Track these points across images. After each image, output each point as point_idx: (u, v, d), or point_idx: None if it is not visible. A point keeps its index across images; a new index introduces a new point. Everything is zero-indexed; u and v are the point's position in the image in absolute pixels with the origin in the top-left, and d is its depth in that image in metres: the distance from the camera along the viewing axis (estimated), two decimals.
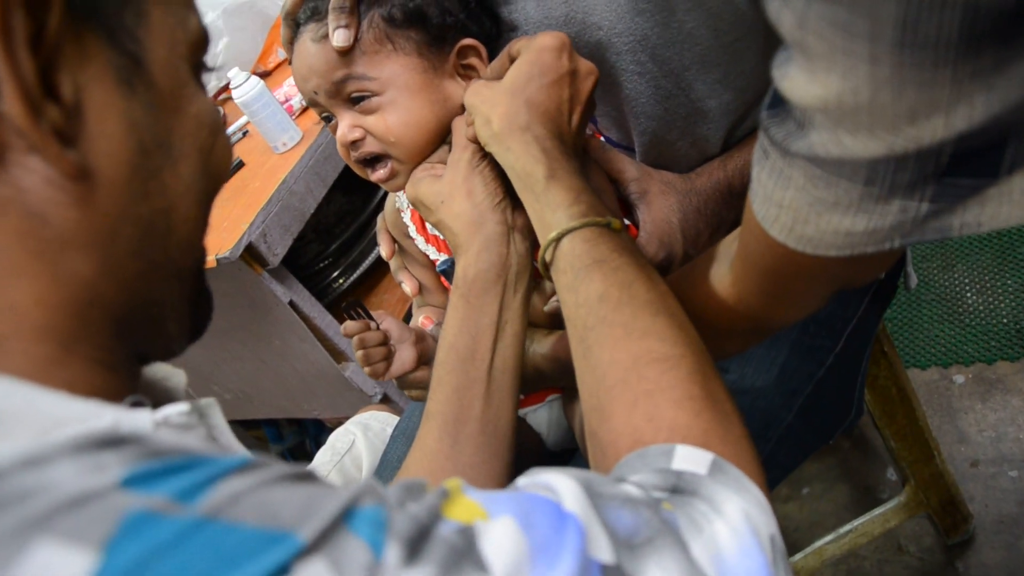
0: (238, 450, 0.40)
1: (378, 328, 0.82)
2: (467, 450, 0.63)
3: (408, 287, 0.90)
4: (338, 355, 1.47)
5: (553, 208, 0.61)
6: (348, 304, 0.84)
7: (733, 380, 0.82)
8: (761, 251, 0.50)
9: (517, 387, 0.67)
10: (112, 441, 0.31)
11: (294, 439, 2.08)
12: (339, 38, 0.72)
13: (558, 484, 0.38)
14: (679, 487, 0.41)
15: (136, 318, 0.40)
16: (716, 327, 0.60)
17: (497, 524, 0.33)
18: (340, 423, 1.29)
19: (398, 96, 0.74)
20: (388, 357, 0.82)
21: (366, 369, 0.82)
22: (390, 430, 1.18)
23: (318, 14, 0.74)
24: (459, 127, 0.73)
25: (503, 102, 0.65)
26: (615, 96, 0.78)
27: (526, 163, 0.63)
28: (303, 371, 1.52)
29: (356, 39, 0.72)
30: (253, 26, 1.82)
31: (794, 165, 0.42)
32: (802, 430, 0.85)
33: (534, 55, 0.67)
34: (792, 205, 0.43)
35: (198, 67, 0.44)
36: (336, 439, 1.18)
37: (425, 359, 0.84)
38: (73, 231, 0.36)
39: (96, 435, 0.31)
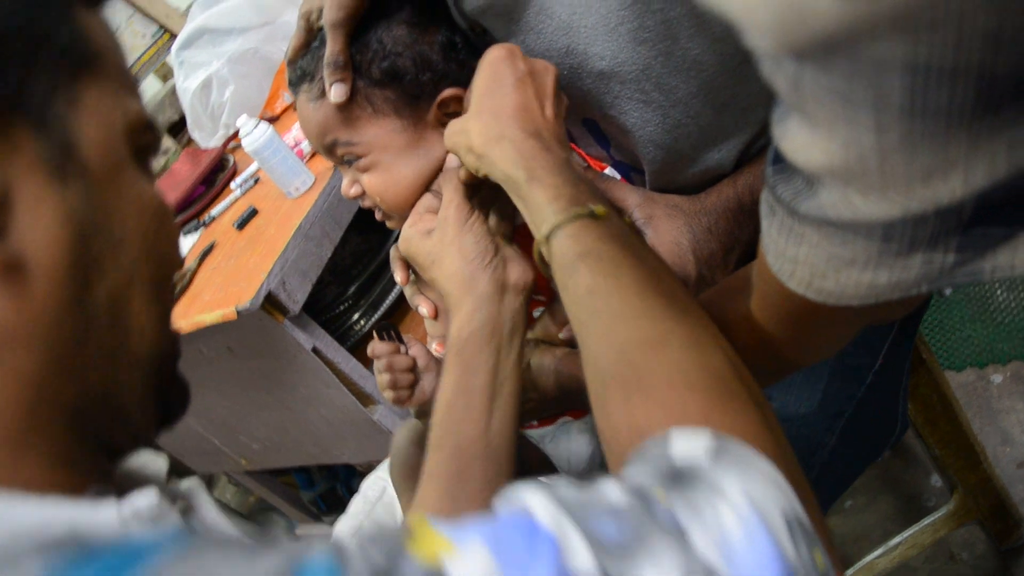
0: (223, 529, 0.40)
1: (407, 352, 0.81)
2: (468, 510, 0.61)
3: (425, 310, 0.89)
4: (365, 399, 1.45)
5: (538, 209, 0.59)
6: (381, 325, 0.84)
7: (776, 409, 0.79)
8: (781, 301, 0.48)
9: (515, 446, 0.66)
10: (67, 541, 0.30)
11: (325, 485, 2.06)
12: (336, 94, 0.73)
13: (530, 500, 0.36)
14: (679, 475, 0.39)
15: (92, 410, 0.39)
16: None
17: (465, 552, 0.32)
18: (371, 467, 1.27)
19: (381, 157, 0.76)
20: (414, 384, 0.81)
21: (389, 394, 0.81)
22: None
23: (308, 75, 0.76)
24: (447, 179, 0.72)
25: (475, 123, 0.65)
26: (623, 125, 0.77)
27: (507, 169, 0.62)
28: (330, 417, 1.51)
29: (353, 92, 0.73)
30: (258, 72, 1.83)
31: (805, 223, 0.40)
32: (847, 451, 0.83)
33: (488, 68, 0.68)
34: (808, 261, 0.41)
35: (142, 151, 0.43)
36: (367, 487, 1.17)
37: None
38: (11, 327, 0.35)
39: (51, 537, 0.30)
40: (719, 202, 0.77)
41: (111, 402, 0.40)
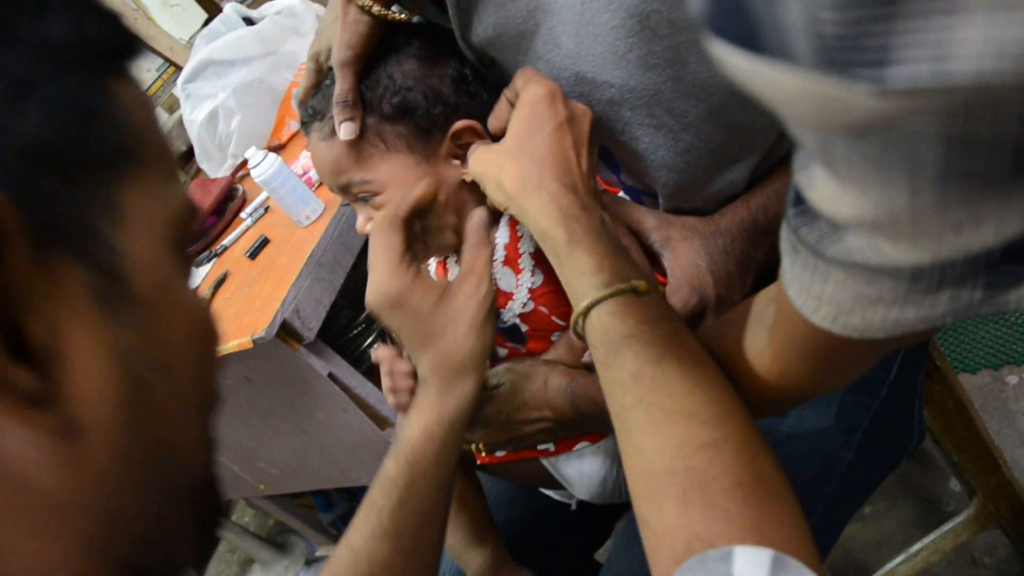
0: None
1: (409, 358, 0.81)
2: None
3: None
4: (381, 421, 1.46)
5: (578, 275, 0.59)
6: (386, 329, 0.84)
7: (792, 425, 0.80)
8: (802, 333, 0.48)
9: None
10: None
11: (343, 506, 2.07)
12: (345, 132, 0.73)
13: None
14: None
15: (142, 556, 0.35)
16: (757, 399, 0.58)
17: None
18: None
19: (396, 194, 0.75)
20: (414, 390, 0.80)
21: (390, 398, 0.81)
22: None
23: (319, 115, 0.76)
24: (471, 251, 0.71)
25: (510, 163, 0.64)
26: (634, 150, 0.77)
27: (545, 225, 0.61)
28: (348, 441, 1.51)
29: (363, 129, 0.74)
30: (264, 102, 1.85)
31: (831, 264, 0.40)
32: (864, 465, 0.83)
33: (528, 108, 0.66)
34: (833, 299, 0.41)
35: (182, 245, 0.38)
36: None
37: None
38: (68, 493, 0.31)
39: None
40: (734, 222, 0.77)
41: (160, 543, 0.36)
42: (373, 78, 0.75)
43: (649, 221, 0.78)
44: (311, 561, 2.32)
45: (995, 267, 0.35)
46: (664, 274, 0.77)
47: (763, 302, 0.59)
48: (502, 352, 0.84)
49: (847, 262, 0.39)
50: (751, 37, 0.29)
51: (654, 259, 0.79)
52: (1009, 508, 1.31)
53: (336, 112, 0.74)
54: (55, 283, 0.30)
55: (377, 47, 0.74)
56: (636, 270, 0.60)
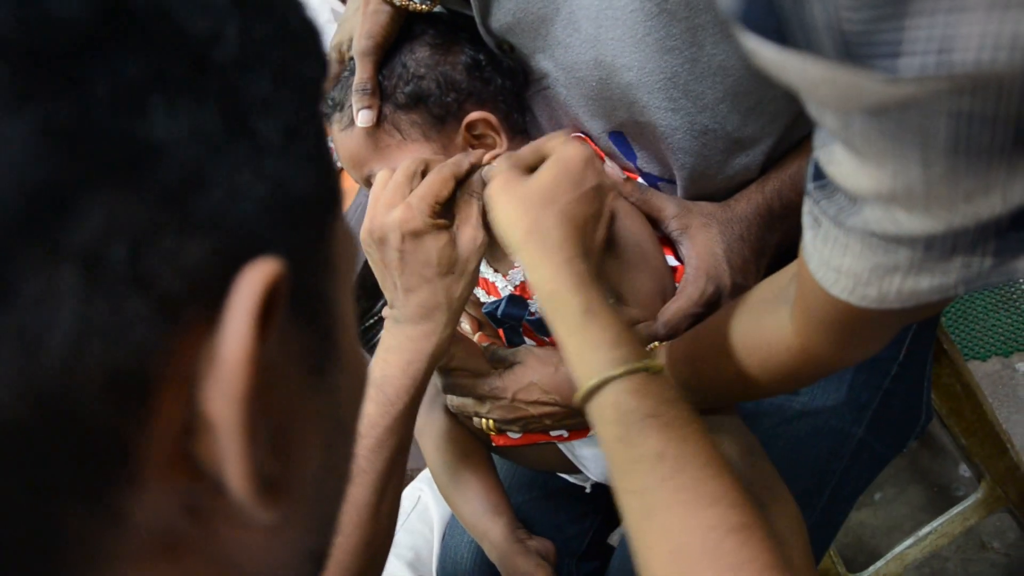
0: None
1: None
2: None
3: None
4: None
5: (593, 348, 0.57)
6: None
7: (804, 402, 0.82)
8: (823, 306, 0.50)
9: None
10: None
11: None
12: (363, 119, 0.75)
13: None
14: None
15: None
16: (782, 374, 0.61)
17: None
18: (409, 475, 1.29)
19: None
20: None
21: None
22: None
23: (339, 105, 0.78)
24: (466, 201, 0.71)
25: (534, 209, 0.62)
26: (652, 134, 0.78)
27: (559, 290, 0.59)
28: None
29: (380, 118, 0.76)
30: None
31: (851, 235, 0.43)
32: (874, 443, 0.84)
33: (563, 164, 0.65)
34: (851, 271, 0.44)
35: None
36: (404, 498, 1.19)
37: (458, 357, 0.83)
38: (264, 567, 0.27)
39: None
40: (749, 208, 0.79)
41: None
42: (389, 68, 0.77)
43: (669, 209, 0.79)
44: None
45: (1004, 234, 0.38)
46: (682, 262, 0.79)
47: (784, 280, 0.61)
48: (530, 343, 0.85)
49: (865, 231, 0.41)
50: (780, 31, 0.33)
51: (671, 248, 0.81)
52: (1017, 492, 1.32)
53: (355, 100, 0.75)
54: (288, 357, 0.26)
55: (397, 37, 0.76)
56: (648, 352, 0.60)
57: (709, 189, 0.81)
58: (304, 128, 0.26)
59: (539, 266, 0.61)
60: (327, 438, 0.29)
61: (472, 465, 0.90)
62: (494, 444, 0.91)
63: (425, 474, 1.24)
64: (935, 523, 1.34)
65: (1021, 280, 1.70)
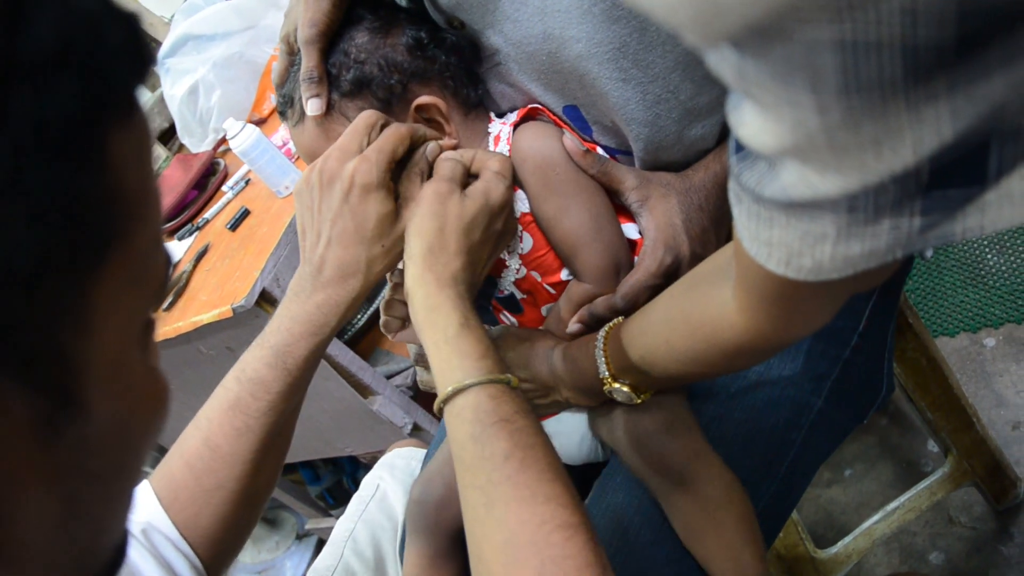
0: None
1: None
2: None
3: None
4: (364, 390, 1.47)
5: (462, 356, 0.63)
6: None
7: (760, 371, 0.81)
8: (762, 282, 0.50)
9: None
10: None
11: (331, 479, 2.08)
12: (312, 107, 0.74)
13: None
14: None
15: None
16: (728, 351, 0.60)
17: None
18: (374, 458, 1.28)
19: None
20: (403, 315, 0.79)
21: (383, 320, 0.82)
22: (415, 463, 1.17)
23: (291, 101, 0.77)
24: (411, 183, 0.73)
25: (444, 232, 0.68)
26: (605, 106, 0.77)
27: (441, 304, 0.66)
28: (331, 409, 1.52)
29: (329, 107, 0.75)
30: (245, 76, 1.84)
31: (772, 208, 0.41)
32: (834, 413, 0.84)
33: (487, 202, 0.71)
34: (782, 242, 0.43)
35: (152, 313, 0.32)
36: (363, 487, 1.18)
37: None
38: None
39: None
40: (707, 178, 0.78)
41: None
42: (334, 56, 0.76)
43: (629, 180, 0.78)
44: (302, 536, 2.34)
45: (927, 192, 0.36)
46: (641, 233, 0.78)
47: (727, 254, 0.60)
48: (505, 321, 0.85)
49: (784, 201, 0.40)
50: None
51: (631, 219, 0.80)
52: (983, 466, 1.33)
53: (303, 90, 0.74)
54: None
55: (341, 23, 0.75)
56: (509, 370, 0.65)
57: (666, 159, 0.80)
58: (30, 172, 0.24)
59: (426, 282, 0.67)
60: (68, 491, 0.28)
61: None
62: None
63: (385, 459, 1.22)
64: (902, 498, 1.34)
65: (989, 256, 1.71)
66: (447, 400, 0.62)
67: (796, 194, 0.39)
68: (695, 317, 0.62)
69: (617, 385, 0.72)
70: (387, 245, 0.70)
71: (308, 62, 0.74)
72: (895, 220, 0.38)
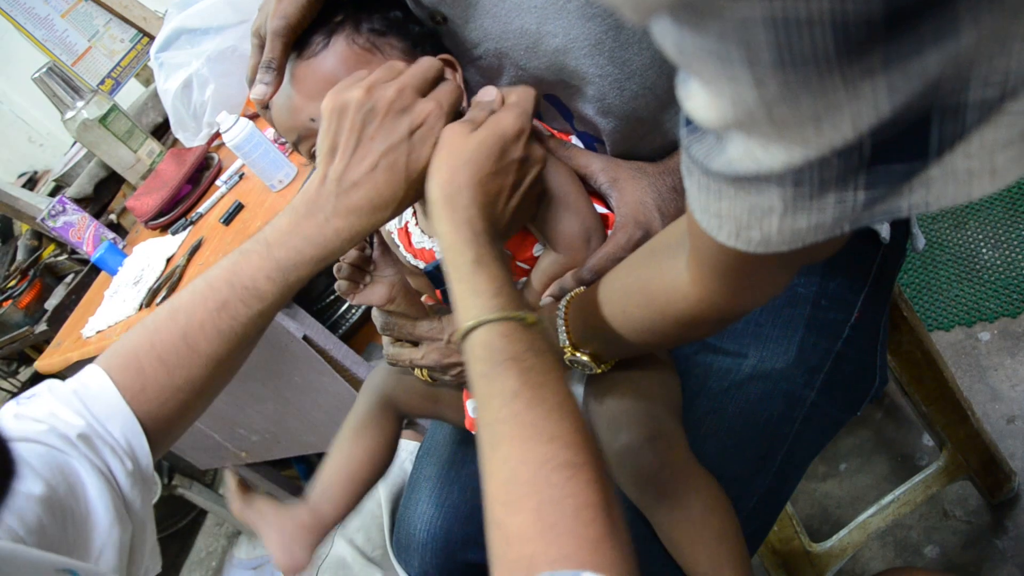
0: None
1: (370, 255, 0.81)
2: None
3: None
4: (358, 385, 1.47)
5: (475, 294, 0.62)
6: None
7: (753, 365, 0.81)
8: (714, 254, 0.50)
9: None
10: None
11: None
12: (256, 93, 0.73)
13: None
14: None
15: None
16: (682, 321, 0.60)
17: None
18: None
19: None
20: (356, 279, 0.80)
21: (337, 283, 0.81)
22: (404, 454, 1.17)
23: (310, 39, 0.75)
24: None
25: (456, 168, 0.65)
26: (582, 98, 0.78)
27: (456, 241, 0.64)
28: (325, 404, 1.52)
29: (354, 40, 0.74)
30: (238, 70, 1.83)
31: (720, 181, 0.42)
32: (827, 406, 0.84)
33: (497, 132, 0.67)
34: (731, 214, 0.43)
35: None
36: None
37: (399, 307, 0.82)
38: None
39: None
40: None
41: None
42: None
43: (596, 164, 0.79)
44: None
45: (871, 166, 0.37)
46: (613, 211, 0.78)
47: (682, 226, 0.61)
48: None
49: (731, 174, 0.40)
50: None
51: (602, 200, 0.80)
52: (978, 459, 1.33)
53: (258, 75, 0.73)
54: None
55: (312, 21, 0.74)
56: (527, 307, 0.64)
57: (642, 152, 0.80)
58: None
59: (443, 219, 0.64)
60: None
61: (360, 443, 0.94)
62: (471, 431, 0.91)
63: None
64: (897, 492, 1.34)
65: (984, 251, 1.71)
66: (463, 339, 0.62)
67: (742, 168, 0.39)
68: (651, 287, 0.63)
69: (577, 355, 0.73)
70: (420, 189, 0.68)
71: (271, 53, 0.72)
72: (840, 194, 0.38)
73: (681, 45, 0.35)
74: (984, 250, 1.72)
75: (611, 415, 0.78)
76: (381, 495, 1.13)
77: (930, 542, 1.43)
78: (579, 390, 0.85)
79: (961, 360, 1.60)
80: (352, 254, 0.79)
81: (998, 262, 1.69)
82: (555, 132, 0.82)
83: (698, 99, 0.38)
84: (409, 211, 0.87)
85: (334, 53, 0.74)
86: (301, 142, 0.77)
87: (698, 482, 0.73)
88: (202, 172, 1.81)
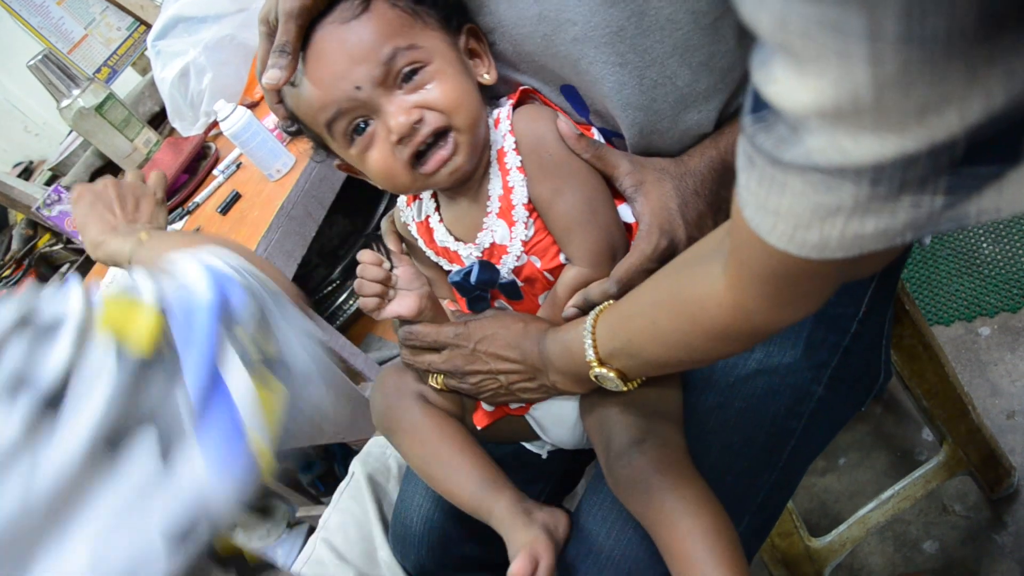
0: None
1: (390, 269, 0.79)
2: None
3: (392, 246, 0.90)
4: (355, 376, 1.46)
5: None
6: (372, 237, 0.84)
7: (760, 359, 0.80)
8: (758, 257, 0.47)
9: None
10: None
11: (322, 466, 2.07)
12: (270, 77, 0.69)
13: None
14: None
15: None
16: (713, 332, 0.58)
17: None
18: (364, 444, 1.28)
19: (445, 65, 0.73)
20: (381, 296, 0.78)
21: (360, 301, 0.80)
22: (390, 451, 1.17)
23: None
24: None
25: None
26: (600, 90, 0.76)
27: None
28: None
29: (398, 8, 0.72)
30: (236, 59, 1.82)
31: (789, 172, 0.39)
32: (834, 401, 0.83)
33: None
34: (790, 212, 0.40)
35: None
36: (346, 478, 1.19)
37: (426, 317, 0.81)
38: None
39: None
40: (703, 163, 0.77)
41: None
42: None
43: (624, 165, 0.77)
44: (293, 524, 2.32)
45: (957, 168, 0.34)
46: (637, 218, 0.77)
47: (720, 234, 0.58)
48: (500, 304, 0.84)
49: (806, 165, 0.37)
50: None
51: (626, 202, 0.79)
52: (978, 454, 1.32)
53: (271, 59, 0.70)
54: None
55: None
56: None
57: (659, 145, 0.79)
58: None
59: None
60: None
61: (457, 445, 0.85)
62: (477, 427, 0.89)
63: (364, 449, 1.23)
64: (897, 487, 1.33)
65: (985, 245, 1.70)
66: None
67: (822, 159, 0.36)
68: (683, 295, 0.60)
69: (604, 370, 0.70)
70: None
71: (284, 35, 0.69)
72: (916, 197, 0.36)
73: (786, 16, 0.31)
74: (984, 245, 1.72)
75: (601, 420, 0.77)
76: (366, 495, 1.13)
77: (929, 537, 1.43)
78: (574, 404, 0.84)
79: (961, 355, 1.59)
80: (375, 272, 0.77)
81: (999, 257, 1.68)
82: (581, 128, 0.80)
83: (785, 82, 0.35)
84: (431, 205, 0.85)
85: (377, 14, 0.70)
86: (340, 117, 0.72)
87: (690, 487, 0.71)
88: (199, 161, 1.80)
